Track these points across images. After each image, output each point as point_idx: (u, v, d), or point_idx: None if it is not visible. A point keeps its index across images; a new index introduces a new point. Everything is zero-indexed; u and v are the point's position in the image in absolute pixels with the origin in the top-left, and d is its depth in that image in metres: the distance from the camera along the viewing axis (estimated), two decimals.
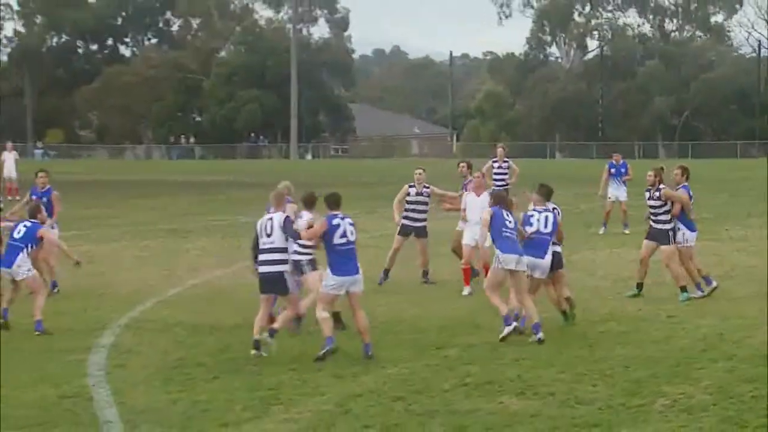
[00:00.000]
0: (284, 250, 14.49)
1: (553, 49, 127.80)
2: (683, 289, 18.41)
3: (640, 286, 18.87)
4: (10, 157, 45.53)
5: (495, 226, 15.65)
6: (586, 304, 17.94)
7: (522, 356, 14.11)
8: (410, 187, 20.46)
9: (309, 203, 15.23)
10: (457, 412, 11.43)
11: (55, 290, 19.51)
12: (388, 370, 13.44)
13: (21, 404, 11.93)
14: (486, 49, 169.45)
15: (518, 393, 12.24)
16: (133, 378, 13.22)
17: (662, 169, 19.02)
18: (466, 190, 20.17)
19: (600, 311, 17.34)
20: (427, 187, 20.48)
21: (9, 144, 49.57)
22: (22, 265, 16.39)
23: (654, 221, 18.67)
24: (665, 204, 18.47)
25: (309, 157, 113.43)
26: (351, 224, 14.45)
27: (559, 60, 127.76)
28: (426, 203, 20.51)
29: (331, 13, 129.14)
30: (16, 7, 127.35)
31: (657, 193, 18.57)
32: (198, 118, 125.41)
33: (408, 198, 20.40)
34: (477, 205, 19.37)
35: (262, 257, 14.56)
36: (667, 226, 18.52)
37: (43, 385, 12.80)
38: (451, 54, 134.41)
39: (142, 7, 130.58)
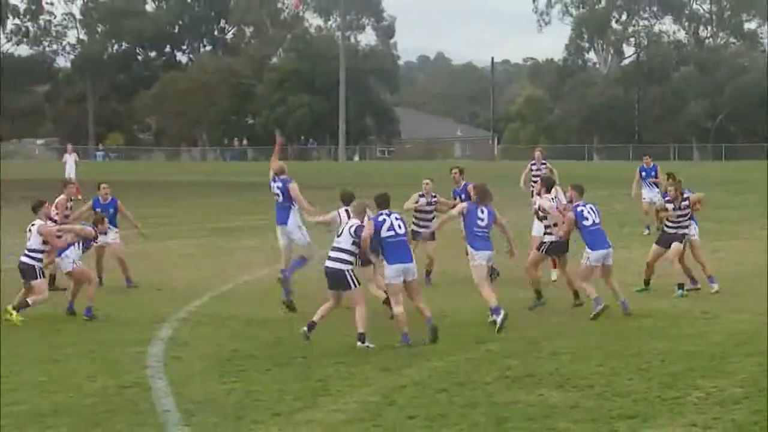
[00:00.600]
0: (350, 252, 15.12)
1: (591, 55, 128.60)
2: (680, 286, 19.22)
3: (647, 282, 19.69)
4: (70, 159, 46.65)
5: (468, 223, 16.36)
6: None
7: (560, 350, 14.40)
8: (420, 196, 21.22)
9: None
10: (499, 404, 11.65)
11: (132, 284, 20.34)
12: (432, 363, 13.75)
13: (84, 394, 12.24)
14: (526, 56, 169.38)
15: (557, 386, 12.47)
16: (189, 369, 13.52)
17: (680, 181, 19.81)
18: (460, 198, 20.84)
19: (635, 307, 17.53)
20: (435, 197, 21.25)
21: (69, 146, 50.77)
22: (69, 256, 17.32)
23: (678, 227, 19.41)
24: (688, 210, 19.36)
25: (356, 158, 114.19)
26: (398, 219, 15.32)
27: (597, 66, 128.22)
28: (432, 211, 21.29)
29: (377, 21, 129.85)
30: (79, 17, 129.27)
31: (685, 203, 19.34)
32: (251, 122, 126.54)
33: (417, 206, 21.20)
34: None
35: (331, 253, 15.28)
36: (686, 231, 19.43)
37: (104, 376, 13.10)
38: (492, 60, 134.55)
39: (198, 16, 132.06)
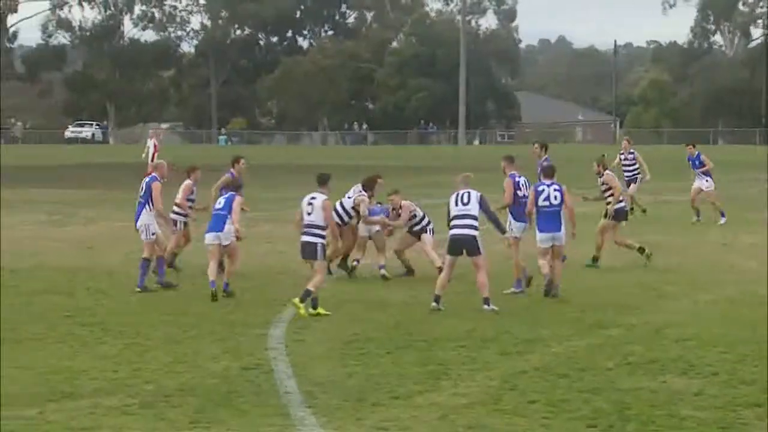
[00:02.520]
0: (477, 217, 16.22)
1: (717, 38, 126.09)
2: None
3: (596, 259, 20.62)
4: (150, 143, 46.62)
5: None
6: (747, 287, 18.24)
7: (684, 337, 14.26)
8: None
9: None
10: (621, 390, 11.57)
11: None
12: (553, 348, 13.72)
13: (208, 374, 12.41)
14: (650, 39, 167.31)
15: (681, 372, 12.35)
16: (310, 351, 13.64)
17: (604, 156, 21.26)
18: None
19: (761, 293, 17.28)
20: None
21: (151, 131, 51.19)
22: (230, 231, 17.50)
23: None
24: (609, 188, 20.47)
25: (476, 143, 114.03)
26: (557, 190, 17.25)
27: (723, 48, 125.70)
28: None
29: (498, 4, 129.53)
30: (202, 2, 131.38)
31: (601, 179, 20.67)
32: (371, 106, 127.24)
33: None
34: None
35: (455, 222, 16.15)
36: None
37: (227, 357, 13.27)
38: (615, 43, 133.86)
39: (319, 0, 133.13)
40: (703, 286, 18.58)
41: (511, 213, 18.15)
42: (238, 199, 17.82)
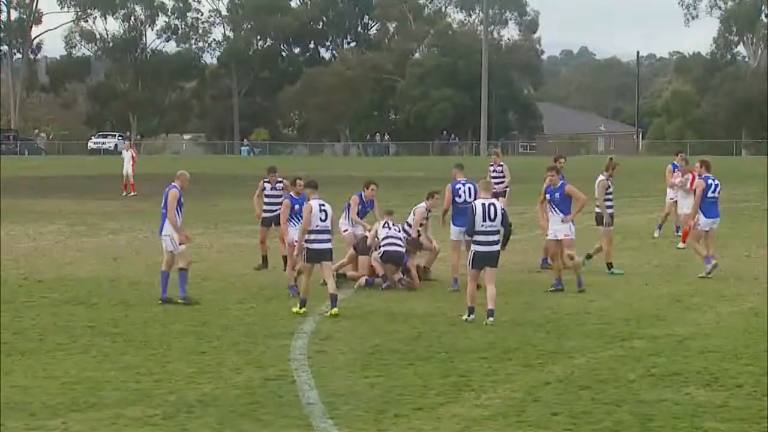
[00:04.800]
0: (500, 231, 16.47)
1: (740, 49, 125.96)
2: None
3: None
4: (127, 155, 46.75)
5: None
6: None
7: (708, 348, 14.23)
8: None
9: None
10: (644, 402, 11.57)
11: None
12: (576, 360, 13.71)
13: (231, 385, 12.47)
14: (672, 50, 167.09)
15: (705, 384, 12.33)
16: (332, 363, 13.68)
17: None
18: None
19: None
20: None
21: (127, 143, 51.79)
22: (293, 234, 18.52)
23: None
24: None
25: None
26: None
27: (746, 59, 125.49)
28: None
29: (520, 15, 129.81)
30: (225, 13, 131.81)
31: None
32: (393, 117, 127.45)
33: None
34: None
35: (480, 238, 16.26)
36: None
37: (250, 368, 13.33)
38: (638, 54, 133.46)
39: (342, 11, 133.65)
40: (727, 297, 18.53)
41: (452, 218, 19.34)
42: (285, 203, 19.14)
